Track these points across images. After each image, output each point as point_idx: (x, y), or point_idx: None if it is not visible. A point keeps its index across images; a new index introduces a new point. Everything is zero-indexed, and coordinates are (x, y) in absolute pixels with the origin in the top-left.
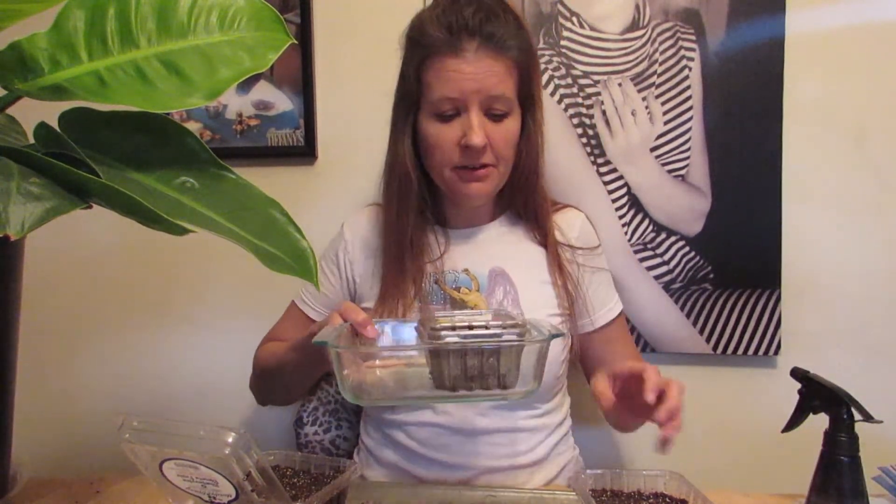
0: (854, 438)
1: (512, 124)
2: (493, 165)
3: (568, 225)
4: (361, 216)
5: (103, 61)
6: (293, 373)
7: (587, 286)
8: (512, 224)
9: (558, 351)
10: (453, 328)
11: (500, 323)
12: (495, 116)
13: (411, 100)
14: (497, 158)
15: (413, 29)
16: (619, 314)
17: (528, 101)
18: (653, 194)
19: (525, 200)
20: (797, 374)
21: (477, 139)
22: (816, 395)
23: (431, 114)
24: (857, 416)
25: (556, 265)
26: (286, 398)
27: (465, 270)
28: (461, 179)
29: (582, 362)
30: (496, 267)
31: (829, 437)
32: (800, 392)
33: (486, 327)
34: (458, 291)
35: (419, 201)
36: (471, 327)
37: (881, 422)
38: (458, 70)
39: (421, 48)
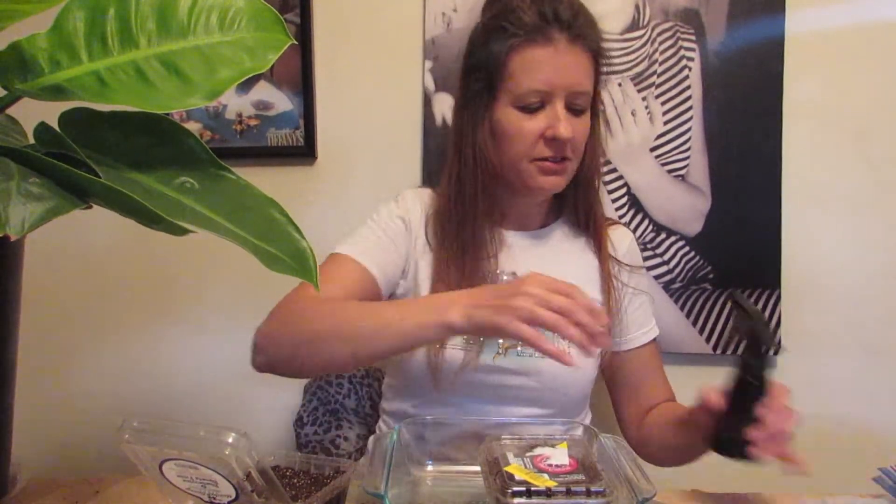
0: (764, 363)
1: (588, 121)
2: (570, 160)
3: (618, 241)
4: (418, 196)
5: (103, 61)
6: (375, 342)
7: (627, 306)
8: (564, 233)
9: (591, 371)
10: (528, 493)
11: (584, 480)
12: (575, 111)
13: (491, 86)
14: (575, 154)
15: (499, 14)
16: (654, 340)
17: (596, 100)
18: (653, 194)
19: (583, 204)
20: (732, 297)
21: (566, 132)
22: (741, 319)
23: (513, 104)
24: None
25: (608, 280)
26: (318, 369)
27: (513, 273)
28: (541, 171)
29: (609, 384)
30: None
31: (742, 360)
32: (730, 315)
33: (568, 493)
34: None
35: (487, 195)
36: (549, 495)
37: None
38: (549, 62)
39: (508, 34)
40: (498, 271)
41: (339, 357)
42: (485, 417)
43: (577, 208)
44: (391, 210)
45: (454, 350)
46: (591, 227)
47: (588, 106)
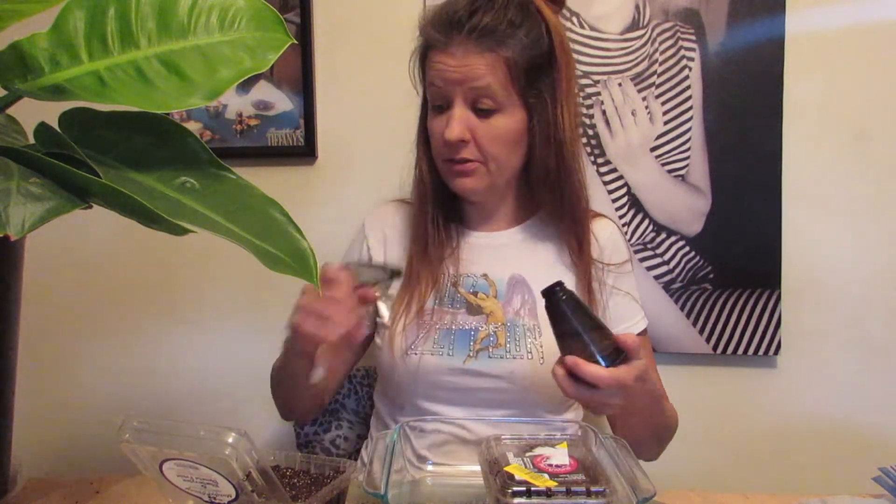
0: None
1: (503, 121)
2: (480, 161)
3: (599, 235)
4: (385, 210)
5: (103, 61)
6: (288, 376)
7: (608, 302)
8: (538, 230)
9: None
10: (528, 493)
11: (584, 480)
12: (482, 111)
13: (424, 94)
14: (484, 155)
15: (419, 32)
16: (642, 334)
17: (536, 99)
18: (653, 194)
19: (554, 201)
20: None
21: (449, 133)
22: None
23: (430, 107)
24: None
25: (586, 282)
26: (298, 411)
27: (484, 275)
28: (448, 173)
29: None
30: (516, 274)
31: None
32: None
33: (568, 493)
34: (476, 296)
35: (441, 196)
36: (549, 495)
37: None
38: (442, 62)
39: (421, 45)
40: (461, 273)
41: (289, 404)
42: (483, 418)
43: (551, 206)
44: (353, 248)
45: (425, 356)
46: (565, 222)
47: (499, 106)
